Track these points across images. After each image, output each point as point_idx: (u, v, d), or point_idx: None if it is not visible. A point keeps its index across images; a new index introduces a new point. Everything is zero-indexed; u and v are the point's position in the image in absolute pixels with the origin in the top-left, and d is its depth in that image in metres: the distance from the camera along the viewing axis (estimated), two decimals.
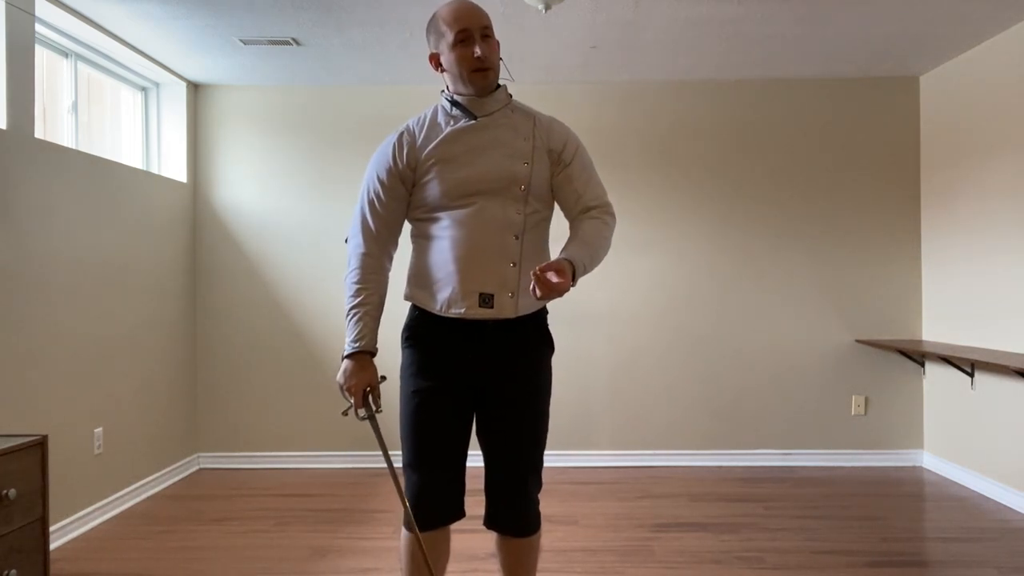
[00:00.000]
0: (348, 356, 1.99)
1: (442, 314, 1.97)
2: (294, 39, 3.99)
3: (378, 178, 2.01)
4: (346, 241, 2.09)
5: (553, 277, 1.75)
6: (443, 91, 2.07)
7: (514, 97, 2.11)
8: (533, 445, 2.06)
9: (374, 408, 2.05)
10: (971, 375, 4.23)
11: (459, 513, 2.07)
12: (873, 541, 3.38)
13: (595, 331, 4.79)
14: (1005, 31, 3.95)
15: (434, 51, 2.04)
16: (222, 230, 4.84)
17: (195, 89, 4.82)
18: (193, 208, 4.81)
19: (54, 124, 3.80)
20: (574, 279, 1.88)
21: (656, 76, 4.72)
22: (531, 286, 1.77)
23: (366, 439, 4.81)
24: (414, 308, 2.06)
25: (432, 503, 2.02)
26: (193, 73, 4.59)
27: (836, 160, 4.80)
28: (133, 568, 3.13)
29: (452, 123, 2.01)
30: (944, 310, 4.53)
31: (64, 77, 3.89)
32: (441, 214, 1.97)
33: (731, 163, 4.81)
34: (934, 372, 4.63)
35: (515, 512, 2.06)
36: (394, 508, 3.91)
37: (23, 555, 2.42)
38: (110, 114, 4.38)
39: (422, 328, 2.03)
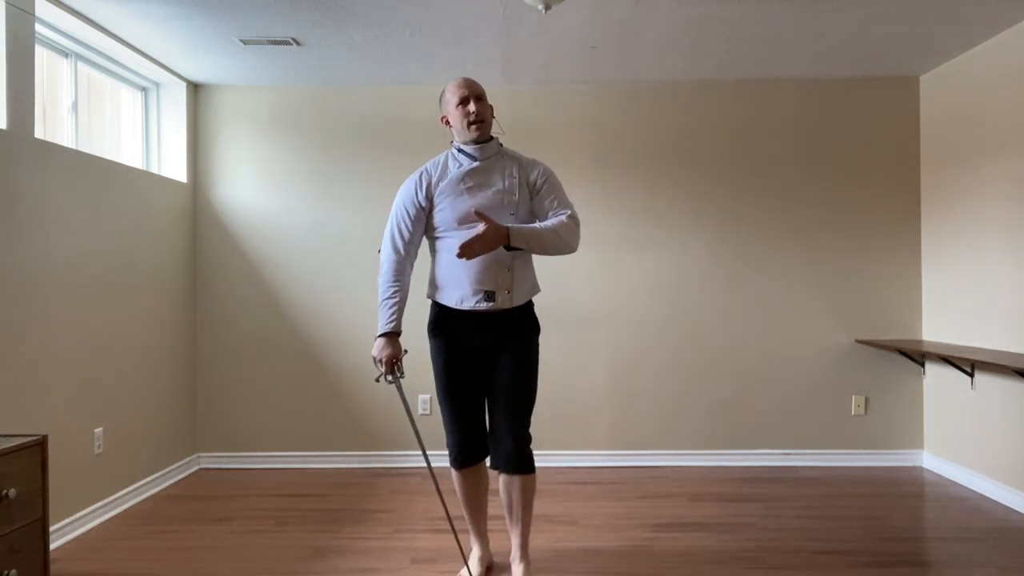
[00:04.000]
0: (381, 335, 2.72)
1: (457, 307, 2.69)
2: (294, 39, 3.99)
3: (404, 208, 2.75)
4: (379, 252, 2.84)
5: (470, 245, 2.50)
6: (451, 142, 2.79)
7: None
8: (525, 400, 2.77)
9: (398, 374, 2.77)
10: (971, 375, 4.23)
11: (485, 452, 2.84)
12: (873, 541, 3.38)
13: (595, 331, 4.79)
14: (1005, 31, 3.95)
15: (443, 114, 2.76)
16: (222, 230, 4.84)
17: (195, 89, 4.82)
18: (193, 208, 4.81)
19: (54, 124, 3.80)
20: (509, 243, 2.57)
21: (656, 76, 4.72)
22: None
23: (366, 439, 4.82)
24: (435, 305, 2.77)
25: (468, 450, 2.80)
26: (193, 73, 4.59)
27: (836, 160, 4.80)
28: (133, 568, 3.13)
29: (458, 166, 2.73)
30: (944, 310, 4.53)
31: (64, 77, 3.89)
32: (453, 233, 2.68)
33: (731, 163, 4.81)
34: (934, 372, 4.63)
35: (513, 451, 2.73)
36: (394, 508, 3.91)
37: (23, 555, 2.42)
38: (110, 114, 4.38)
39: (443, 321, 2.76)
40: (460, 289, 2.67)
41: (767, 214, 4.80)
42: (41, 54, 3.65)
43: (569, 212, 2.73)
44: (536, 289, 2.84)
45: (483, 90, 2.75)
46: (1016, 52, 3.87)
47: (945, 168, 4.51)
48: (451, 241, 2.67)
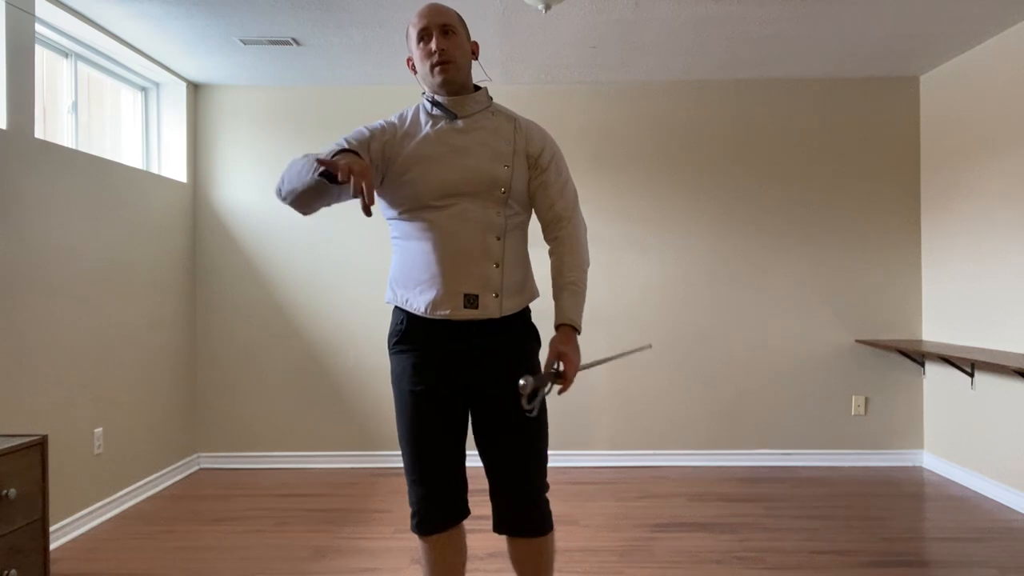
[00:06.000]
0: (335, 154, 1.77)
1: (428, 316, 1.95)
2: (294, 39, 3.99)
3: (347, 139, 1.97)
4: (279, 191, 1.93)
5: (566, 376, 1.92)
6: (423, 93, 2.08)
7: (496, 100, 2.21)
8: (533, 444, 2.03)
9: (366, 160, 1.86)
10: (971, 375, 4.23)
11: (464, 513, 2.07)
12: (873, 541, 3.38)
13: (595, 331, 4.79)
14: (1005, 31, 3.95)
15: (409, 55, 2.10)
16: (222, 230, 4.84)
17: (195, 89, 4.82)
18: (193, 208, 4.81)
19: (54, 124, 3.80)
20: (578, 330, 2.00)
21: (656, 76, 4.72)
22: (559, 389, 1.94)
23: (366, 439, 4.81)
24: (398, 312, 2.03)
25: (439, 509, 2.02)
26: (193, 73, 4.59)
27: (836, 160, 4.80)
28: (133, 568, 3.13)
29: (433, 123, 2.01)
30: (944, 310, 4.53)
31: (64, 77, 3.89)
32: (423, 214, 1.95)
33: (731, 163, 4.81)
34: (934, 372, 4.63)
35: (522, 513, 2.05)
36: (394, 508, 3.91)
37: (23, 555, 2.42)
38: (110, 114, 4.39)
39: (409, 332, 2.01)
40: (432, 291, 1.95)
41: (767, 214, 4.80)
42: (41, 54, 3.65)
43: (577, 215, 2.10)
44: (534, 293, 2.10)
45: (456, 19, 2.01)
46: (1016, 52, 3.87)
47: (945, 168, 4.51)
48: (421, 224, 1.96)
